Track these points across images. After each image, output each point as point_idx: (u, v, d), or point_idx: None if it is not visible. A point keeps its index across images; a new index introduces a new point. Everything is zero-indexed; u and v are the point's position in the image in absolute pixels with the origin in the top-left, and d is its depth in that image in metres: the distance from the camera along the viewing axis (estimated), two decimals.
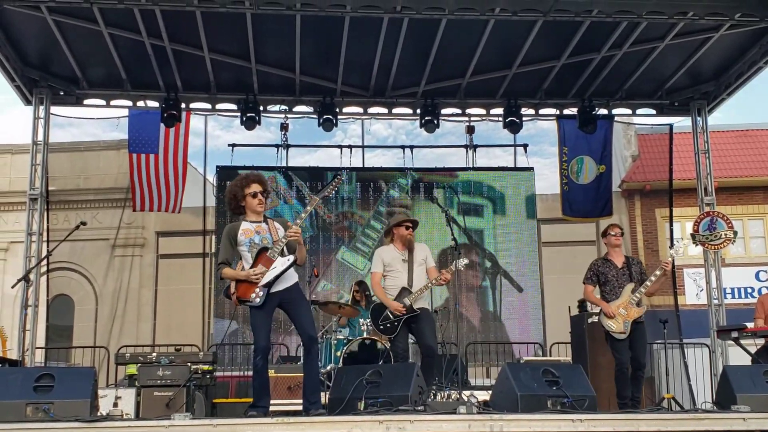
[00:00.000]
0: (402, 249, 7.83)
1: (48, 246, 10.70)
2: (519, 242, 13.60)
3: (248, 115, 11.62)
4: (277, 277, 6.23)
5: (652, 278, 7.82)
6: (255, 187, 6.36)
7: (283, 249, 6.28)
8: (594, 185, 12.77)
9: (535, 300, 13.46)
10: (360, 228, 13.30)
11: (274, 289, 6.24)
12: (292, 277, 6.36)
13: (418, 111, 12.06)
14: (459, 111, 12.56)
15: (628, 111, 12.71)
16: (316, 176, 13.50)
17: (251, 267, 6.24)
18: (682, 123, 13.01)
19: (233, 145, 13.49)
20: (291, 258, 6.29)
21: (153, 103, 11.83)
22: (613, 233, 8.17)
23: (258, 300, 6.19)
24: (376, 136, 31.43)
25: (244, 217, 6.44)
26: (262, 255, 6.25)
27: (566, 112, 12.50)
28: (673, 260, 8.10)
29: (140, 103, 11.89)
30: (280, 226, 6.41)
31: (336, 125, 11.92)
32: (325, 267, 13.17)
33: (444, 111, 12.23)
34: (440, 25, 9.93)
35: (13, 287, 9.29)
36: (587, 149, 12.63)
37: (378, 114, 12.55)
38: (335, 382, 6.58)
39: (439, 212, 8.20)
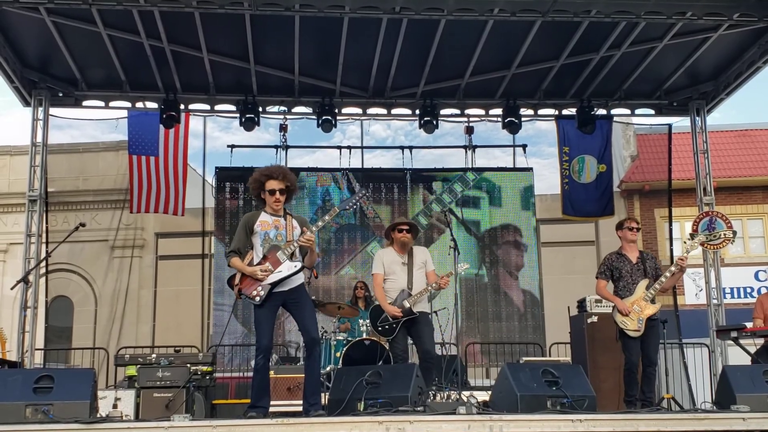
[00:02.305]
0: (401, 252, 7.84)
1: (47, 247, 10.69)
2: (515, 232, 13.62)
3: (247, 116, 11.61)
4: (282, 280, 6.23)
5: (667, 274, 7.67)
6: (273, 185, 6.33)
7: (294, 252, 6.28)
8: (595, 184, 12.75)
9: (534, 300, 13.45)
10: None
11: (278, 289, 6.26)
12: (298, 278, 6.37)
13: (417, 112, 12.05)
14: (458, 111, 12.56)
15: (627, 111, 12.70)
16: (315, 177, 13.50)
17: (260, 262, 6.25)
18: (681, 123, 13.03)
19: (232, 146, 13.49)
20: (298, 264, 6.29)
21: (152, 104, 11.83)
22: (629, 227, 7.99)
23: (258, 299, 6.20)
24: (374, 137, 31.25)
25: (264, 207, 6.43)
26: (272, 253, 6.26)
27: (565, 112, 12.50)
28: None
29: (139, 104, 11.89)
30: (297, 225, 6.41)
31: (335, 126, 11.92)
32: (354, 255, 13.23)
33: (443, 111, 12.22)
34: (439, 25, 9.93)
35: (12, 289, 9.27)
36: (588, 148, 12.62)
37: (377, 115, 12.54)
38: (335, 383, 6.59)
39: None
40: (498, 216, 13.56)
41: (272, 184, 6.33)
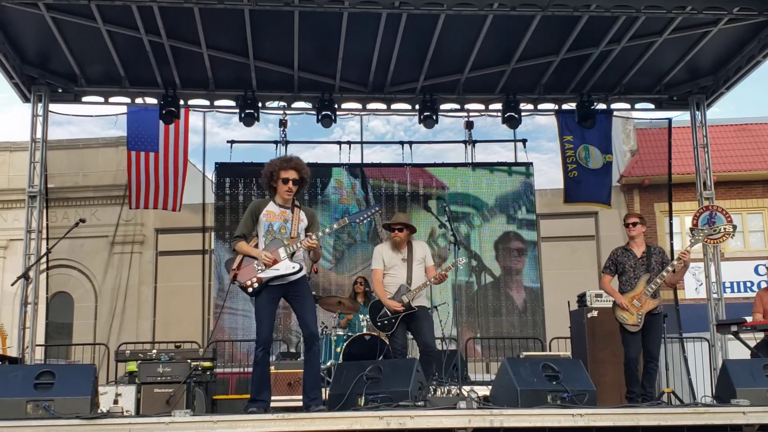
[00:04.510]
0: (395, 248, 7.87)
1: (47, 243, 10.70)
2: (499, 243, 13.72)
3: (247, 111, 11.60)
4: (276, 278, 6.23)
5: (669, 269, 7.67)
6: (290, 174, 6.30)
7: (295, 252, 6.28)
8: (603, 171, 12.74)
9: (534, 295, 13.48)
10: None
11: (279, 282, 6.26)
12: (300, 271, 6.37)
13: (417, 107, 12.05)
14: (458, 106, 12.55)
15: (627, 105, 12.69)
16: (314, 173, 13.49)
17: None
18: (680, 117, 13.02)
19: (232, 142, 13.50)
20: (296, 266, 6.28)
21: (151, 100, 11.82)
22: (624, 223, 8.00)
23: (250, 290, 6.22)
24: (374, 133, 31.34)
25: (274, 197, 6.42)
26: (273, 249, 6.26)
27: (565, 107, 12.49)
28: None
29: (138, 100, 11.88)
30: (305, 218, 6.41)
31: (335, 121, 11.91)
32: (362, 269, 13.25)
33: (443, 106, 12.22)
34: (439, 20, 9.92)
35: (12, 285, 9.27)
36: (590, 140, 12.60)
37: (376, 110, 12.54)
38: (335, 378, 6.59)
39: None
40: (486, 229, 13.67)
41: (290, 173, 6.29)
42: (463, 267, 8.28)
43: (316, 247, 6.30)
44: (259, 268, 6.22)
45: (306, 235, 6.31)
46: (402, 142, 13.91)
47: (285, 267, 6.24)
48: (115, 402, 8.26)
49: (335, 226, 6.67)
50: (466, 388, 7.29)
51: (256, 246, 6.34)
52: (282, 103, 12.25)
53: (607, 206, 13.03)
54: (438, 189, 13.82)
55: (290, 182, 6.30)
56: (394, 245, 7.89)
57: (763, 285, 13.46)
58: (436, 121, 11.96)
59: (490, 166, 13.89)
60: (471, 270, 13.49)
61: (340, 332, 9.68)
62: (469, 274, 13.50)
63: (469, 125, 13.15)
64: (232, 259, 6.42)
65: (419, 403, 5.81)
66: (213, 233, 13.51)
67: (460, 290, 13.14)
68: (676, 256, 7.82)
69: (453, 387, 7.77)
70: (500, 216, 13.68)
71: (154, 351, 9.42)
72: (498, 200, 13.71)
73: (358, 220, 6.79)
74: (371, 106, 12.39)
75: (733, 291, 17.30)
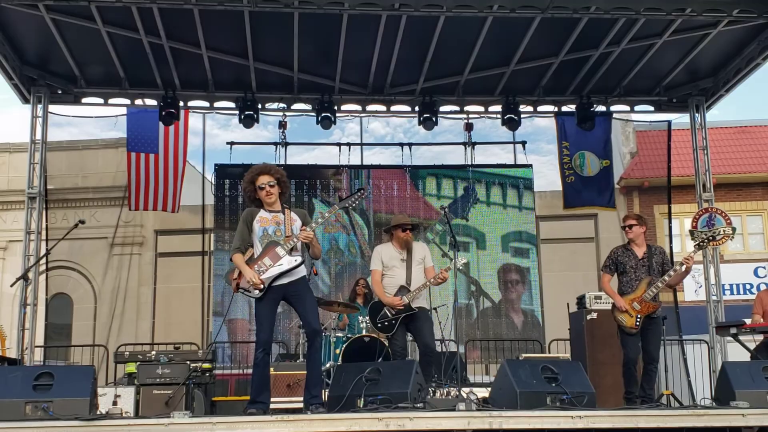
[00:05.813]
0: (400, 248, 7.86)
1: (47, 245, 10.70)
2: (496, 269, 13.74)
3: (246, 113, 11.60)
4: (282, 274, 6.24)
5: (671, 273, 7.65)
6: (261, 180, 6.39)
7: (294, 247, 6.30)
8: (600, 177, 12.75)
9: (533, 297, 13.48)
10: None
11: (278, 282, 6.28)
12: (299, 272, 6.39)
13: (417, 108, 12.06)
14: (457, 108, 12.56)
15: (627, 108, 12.71)
16: (314, 175, 13.52)
17: (258, 258, 6.27)
18: (680, 119, 13.02)
19: (231, 143, 13.48)
20: (298, 258, 6.32)
21: (151, 102, 11.82)
22: (622, 226, 8.03)
23: (257, 292, 6.22)
24: (373, 135, 31.43)
25: (262, 207, 6.47)
26: (270, 248, 6.27)
27: (564, 109, 12.51)
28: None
29: (138, 102, 11.88)
30: (297, 218, 6.45)
31: (334, 123, 11.91)
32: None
33: (442, 108, 12.22)
34: (438, 22, 9.92)
35: (12, 286, 9.26)
36: (587, 145, 12.61)
37: (376, 111, 12.54)
38: (334, 380, 6.59)
39: None
40: (482, 256, 13.67)
41: (261, 180, 6.39)
42: (462, 267, 8.24)
43: (312, 240, 6.32)
44: (261, 270, 6.22)
45: (300, 229, 6.34)
46: (401, 144, 13.92)
47: (287, 262, 6.26)
48: (114, 403, 8.27)
49: (327, 214, 6.79)
50: (465, 390, 7.28)
51: (252, 254, 6.35)
52: (281, 105, 12.26)
53: (611, 209, 13.07)
54: (444, 168, 13.88)
55: (267, 185, 6.37)
56: (402, 244, 7.87)
57: (763, 287, 13.50)
58: (436, 123, 11.97)
59: (490, 168, 13.87)
60: (470, 294, 13.51)
61: (339, 333, 9.68)
62: (468, 298, 13.51)
63: (469, 127, 13.15)
64: (231, 270, 6.45)
65: (418, 405, 5.81)
66: (212, 235, 13.51)
67: (460, 312, 13.15)
68: (679, 261, 7.78)
69: (452, 389, 7.75)
70: (498, 246, 13.69)
71: (154, 352, 9.43)
72: (498, 231, 13.73)
73: (348, 205, 6.84)
74: (371, 107, 12.40)
75: (732, 293, 17.31)
